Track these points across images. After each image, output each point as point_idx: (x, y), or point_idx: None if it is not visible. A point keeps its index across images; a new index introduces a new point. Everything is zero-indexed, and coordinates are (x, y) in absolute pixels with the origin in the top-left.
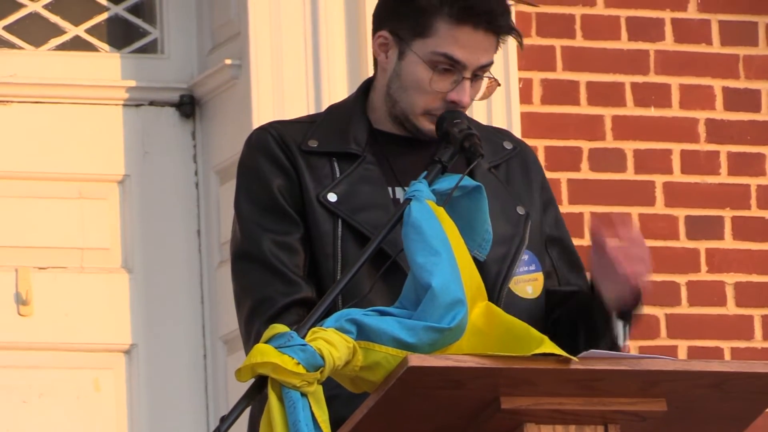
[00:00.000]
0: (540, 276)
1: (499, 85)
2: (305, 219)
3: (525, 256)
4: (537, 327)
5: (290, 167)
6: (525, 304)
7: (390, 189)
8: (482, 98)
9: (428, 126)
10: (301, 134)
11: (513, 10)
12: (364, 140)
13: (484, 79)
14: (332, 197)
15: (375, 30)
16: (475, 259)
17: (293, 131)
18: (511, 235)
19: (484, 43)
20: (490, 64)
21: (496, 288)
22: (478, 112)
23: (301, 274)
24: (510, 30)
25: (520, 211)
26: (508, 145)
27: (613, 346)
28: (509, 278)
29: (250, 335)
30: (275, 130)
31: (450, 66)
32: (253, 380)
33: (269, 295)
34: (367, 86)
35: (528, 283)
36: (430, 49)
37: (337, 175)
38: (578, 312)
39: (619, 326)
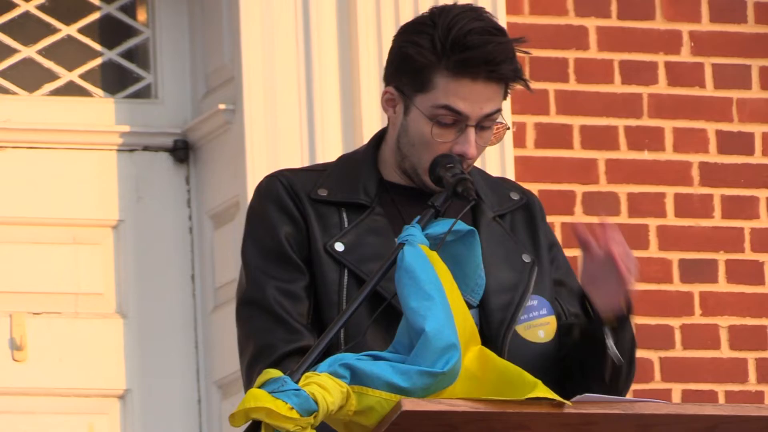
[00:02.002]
0: (552, 319)
1: (508, 128)
2: (311, 267)
3: (534, 302)
4: (552, 370)
5: (299, 216)
6: (538, 349)
7: (397, 240)
8: (492, 144)
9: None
10: (311, 183)
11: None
12: (374, 191)
13: (492, 126)
14: (339, 247)
15: (384, 86)
16: (471, 305)
17: (303, 180)
18: (516, 283)
19: (486, 92)
20: (496, 112)
21: (500, 335)
22: None
23: (305, 322)
24: (513, 77)
25: (526, 258)
26: (514, 196)
27: (615, 371)
28: (513, 326)
29: (252, 381)
30: (285, 179)
31: (453, 118)
32: (247, 425)
33: (271, 342)
34: (379, 138)
35: (540, 328)
36: (431, 103)
37: (346, 224)
38: (578, 348)
39: (613, 345)
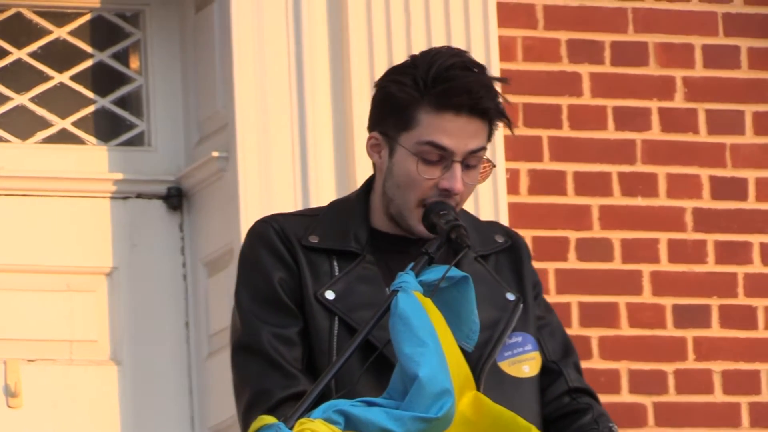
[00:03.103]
0: (537, 355)
1: (494, 166)
2: (304, 313)
3: (519, 338)
4: (534, 405)
5: (291, 261)
6: (522, 384)
7: (387, 289)
8: (479, 182)
9: (421, 227)
10: (302, 228)
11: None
12: (365, 239)
13: (479, 165)
14: (330, 295)
15: (368, 133)
16: (465, 351)
17: (295, 225)
18: (497, 321)
19: (469, 127)
20: (481, 149)
21: (476, 372)
22: (466, 203)
23: (300, 367)
24: (496, 113)
25: (510, 296)
26: (499, 239)
27: None
28: (489, 363)
29: (248, 427)
30: (277, 223)
31: (438, 155)
32: None
33: (267, 387)
34: (369, 184)
35: (524, 363)
36: (415, 140)
37: (336, 272)
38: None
39: None
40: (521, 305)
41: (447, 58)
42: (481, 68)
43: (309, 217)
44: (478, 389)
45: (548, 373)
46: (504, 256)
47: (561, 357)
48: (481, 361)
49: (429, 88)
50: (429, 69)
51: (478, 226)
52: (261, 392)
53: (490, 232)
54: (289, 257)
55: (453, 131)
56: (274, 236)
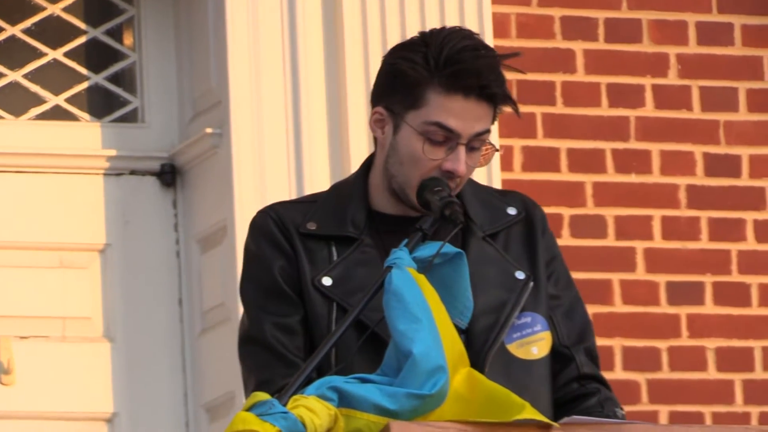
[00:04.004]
0: (547, 335)
1: (497, 150)
2: (303, 301)
3: (528, 318)
4: (545, 386)
5: (290, 249)
6: (531, 365)
7: (384, 264)
8: (481, 165)
9: None
10: (300, 216)
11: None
12: (362, 222)
13: (481, 148)
14: (327, 281)
15: (372, 108)
16: (459, 327)
17: (293, 213)
18: (504, 302)
19: (477, 111)
20: (486, 132)
21: (481, 356)
22: None
23: (302, 356)
24: (504, 99)
25: (519, 275)
26: (511, 211)
27: None
28: (494, 348)
29: None
30: (275, 213)
31: (444, 136)
32: None
33: (270, 377)
34: (368, 165)
35: (533, 344)
36: (422, 119)
37: (335, 258)
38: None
39: None
40: (531, 284)
41: (459, 40)
42: (492, 52)
43: (308, 203)
44: (483, 374)
45: (559, 358)
46: (516, 230)
47: (575, 342)
48: (486, 346)
49: (440, 68)
50: (441, 49)
51: (490, 200)
52: (264, 382)
53: (503, 204)
54: (287, 246)
55: (460, 113)
56: (273, 226)
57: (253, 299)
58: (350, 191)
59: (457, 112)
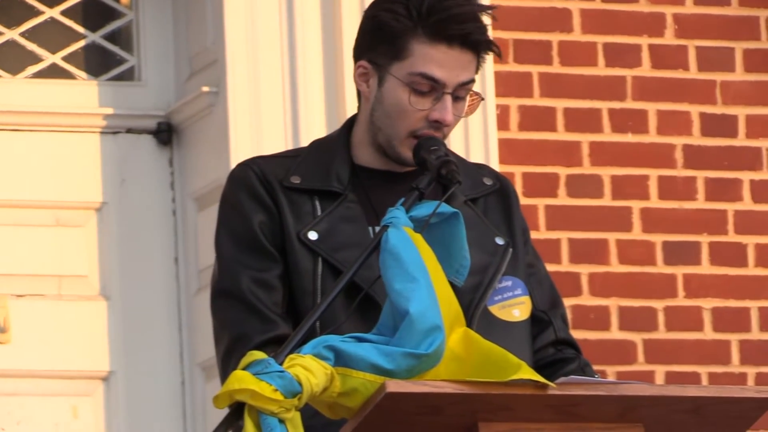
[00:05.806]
0: (527, 299)
1: (483, 99)
2: (285, 256)
3: (509, 282)
4: (525, 349)
5: (271, 204)
6: (512, 328)
7: (370, 228)
8: (467, 115)
9: (410, 154)
10: (283, 170)
11: (489, 29)
12: (347, 178)
13: (467, 97)
14: (313, 235)
15: (355, 62)
16: (456, 286)
17: (275, 167)
18: (486, 265)
19: (461, 59)
20: (471, 81)
21: (467, 317)
22: (456, 139)
23: (279, 311)
24: (487, 46)
25: (499, 241)
26: (488, 181)
27: None
28: (480, 306)
29: (227, 372)
30: (257, 166)
31: (429, 86)
32: (230, 407)
33: (246, 332)
34: (351, 122)
35: (514, 307)
36: (407, 70)
37: (318, 213)
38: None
39: None
40: (510, 250)
41: None
42: (473, 0)
43: (290, 158)
44: None
45: (537, 322)
46: (493, 200)
47: (550, 307)
48: (472, 306)
49: (423, 18)
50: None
51: (466, 168)
52: (239, 337)
53: (479, 174)
54: (269, 200)
55: (445, 63)
56: (254, 179)
57: (230, 252)
58: (334, 147)
59: (441, 61)
